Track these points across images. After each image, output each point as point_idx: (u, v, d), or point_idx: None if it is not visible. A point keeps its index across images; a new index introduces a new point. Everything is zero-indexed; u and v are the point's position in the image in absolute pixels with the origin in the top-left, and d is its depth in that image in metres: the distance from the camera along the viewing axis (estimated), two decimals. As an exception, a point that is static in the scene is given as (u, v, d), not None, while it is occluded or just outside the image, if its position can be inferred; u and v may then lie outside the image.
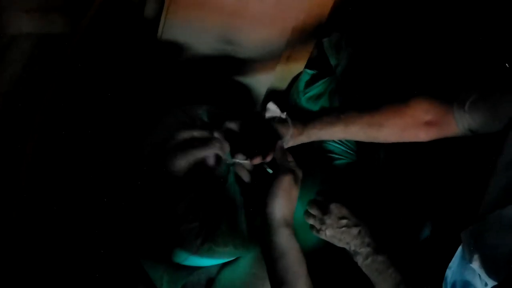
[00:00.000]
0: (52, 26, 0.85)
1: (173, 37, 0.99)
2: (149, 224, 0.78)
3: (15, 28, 0.80)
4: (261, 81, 1.13)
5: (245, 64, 1.08)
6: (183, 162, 0.73)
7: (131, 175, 0.79)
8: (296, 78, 1.16)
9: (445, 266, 0.65)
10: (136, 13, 0.99)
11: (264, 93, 1.16)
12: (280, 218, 0.64)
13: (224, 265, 0.89)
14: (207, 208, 0.77)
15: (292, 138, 0.74)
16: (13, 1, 0.81)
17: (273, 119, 0.75)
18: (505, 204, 0.57)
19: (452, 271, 0.65)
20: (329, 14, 1.05)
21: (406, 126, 0.73)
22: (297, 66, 1.14)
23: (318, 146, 0.98)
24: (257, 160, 0.72)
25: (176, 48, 1.01)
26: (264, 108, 0.76)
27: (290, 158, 0.70)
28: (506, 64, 0.74)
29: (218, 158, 0.77)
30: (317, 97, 1.11)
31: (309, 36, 1.09)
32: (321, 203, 0.75)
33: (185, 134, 0.76)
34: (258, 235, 0.71)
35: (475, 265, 0.58)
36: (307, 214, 0.77)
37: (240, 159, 0.73)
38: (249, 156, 0.72)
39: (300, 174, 0.69)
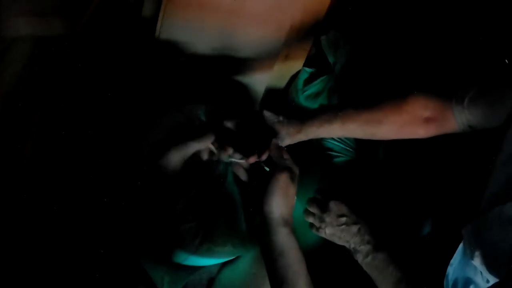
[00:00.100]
0: (50, 29, 0.85)
1: (171, 37, 0.99)
2: (148, 224, 0.78)
3: (14, 30, 0.80)
4: (260, 80, 1.13)
5: (243, 63, 1.08)
6: (177, 157, 0.73)
7: (131, 175, 0.79)
8: (294, 77, 1.16)
9: (446, 263, 0.65)
10: (133, 13, 0.99)
11: (262, 92, 1.16)
12: (278, 216, 0.63)
13: (224, 264, 0.88)
14: (205, 207, 0.77)
15: (290, 136, 0.74)
16: (12, 3, 0.81)
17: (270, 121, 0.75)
18: (505, 200, 0.57)
19: (453, 268, 0.65)
20: (326, 12, 1.05)
21: (405, 123, 0.72)
22: (295, 65, 1.14)
23: (317, 144, 0.98)
24: (253, 159, 0.72)
25: (174, 47, 1.01)
26: (260, 116, 0.76)
27: (286, 156, 0.70)
28: (505, 60, 0.73)
29: (212, 153, 0.77)
30: (316, 95, 1.11)
31: (307, 34, 1.09)
32: (320, 201, 0.75)
33: (182, 134, 0.76)
34: (257, 234, 0.71)
35: (477, 261, 0.58)
36: (307, 212, 0.76)
37: (236, 158, 0.73)
38: (246, 155, 0.72)
39: (296, 171, 0.68)
